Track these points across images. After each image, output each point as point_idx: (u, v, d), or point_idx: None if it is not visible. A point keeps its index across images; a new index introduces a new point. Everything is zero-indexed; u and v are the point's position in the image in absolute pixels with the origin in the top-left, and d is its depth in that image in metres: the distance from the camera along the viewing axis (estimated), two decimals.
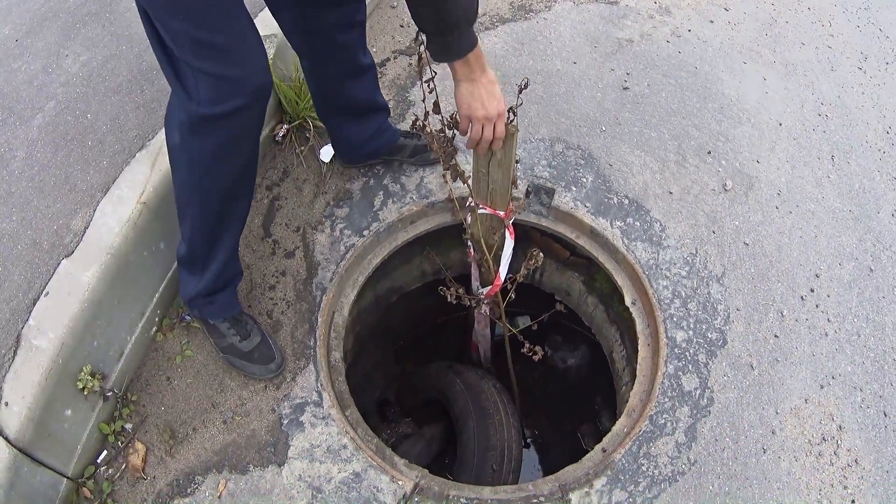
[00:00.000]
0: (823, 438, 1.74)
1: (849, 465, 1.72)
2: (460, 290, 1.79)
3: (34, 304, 1.50)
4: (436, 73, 1.42)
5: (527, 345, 1.85)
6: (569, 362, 2.71)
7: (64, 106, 1.87)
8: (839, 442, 1.75)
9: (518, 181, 2.08)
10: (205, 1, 1.17)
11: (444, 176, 1.66)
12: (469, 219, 1.78)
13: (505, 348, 2.12)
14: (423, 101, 1.44)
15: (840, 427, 1.77)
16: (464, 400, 2.18)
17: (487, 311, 1.95)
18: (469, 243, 1.84)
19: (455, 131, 1.51)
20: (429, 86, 1.41)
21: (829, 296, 2.00)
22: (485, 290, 1.90)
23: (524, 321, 2.58)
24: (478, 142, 1.44)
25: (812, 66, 2.70)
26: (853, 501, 1.66)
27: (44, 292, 1.52)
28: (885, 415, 1.81)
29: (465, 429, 2.12)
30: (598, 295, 2.20)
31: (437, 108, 1.48)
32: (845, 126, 2.49)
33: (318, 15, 1.57)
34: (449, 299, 1.77)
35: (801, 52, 2.75)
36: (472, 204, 1.69)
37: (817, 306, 1.98)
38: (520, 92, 1.41)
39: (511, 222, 1.78)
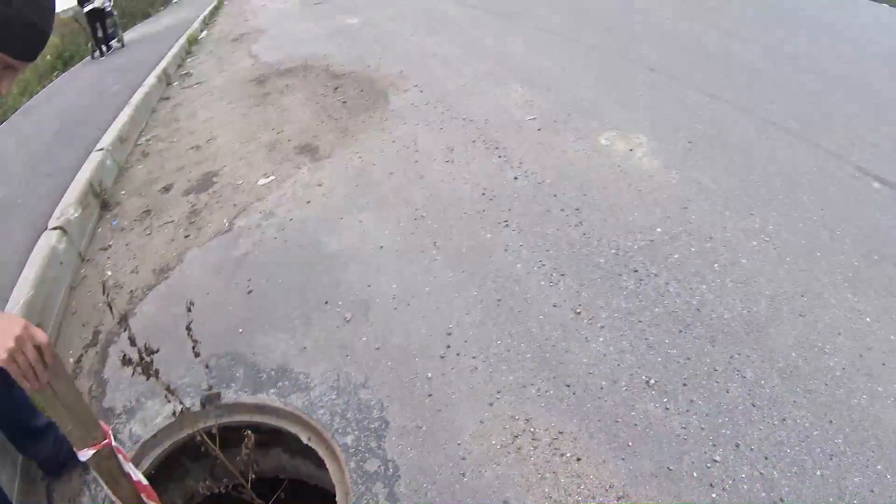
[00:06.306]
0: (515, 436, 1.96)
1: (555, 438, 1.94)
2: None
3: None
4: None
5: None
6: None
7: None
8: (533, 429, 1.97)
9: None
10: None
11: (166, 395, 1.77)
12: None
13: None
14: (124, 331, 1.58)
15: (527, 419, 2.01)
16: None
17: None
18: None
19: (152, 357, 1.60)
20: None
21: (466, 340, 2.44)
22: None
23: None
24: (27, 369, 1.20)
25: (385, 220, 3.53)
26: (578, 459, 1.88)
27: None
28: (568, 386, 2.13)
29: None
30: (296, 455, 2.53)
31: (124, 319, 1.61)
32: (431, 219, 3.22)
33: None
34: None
35: (390, 180, 3.58)
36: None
37: (458, 354, 2.39)
38: (188, 310, 1.64)
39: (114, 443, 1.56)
